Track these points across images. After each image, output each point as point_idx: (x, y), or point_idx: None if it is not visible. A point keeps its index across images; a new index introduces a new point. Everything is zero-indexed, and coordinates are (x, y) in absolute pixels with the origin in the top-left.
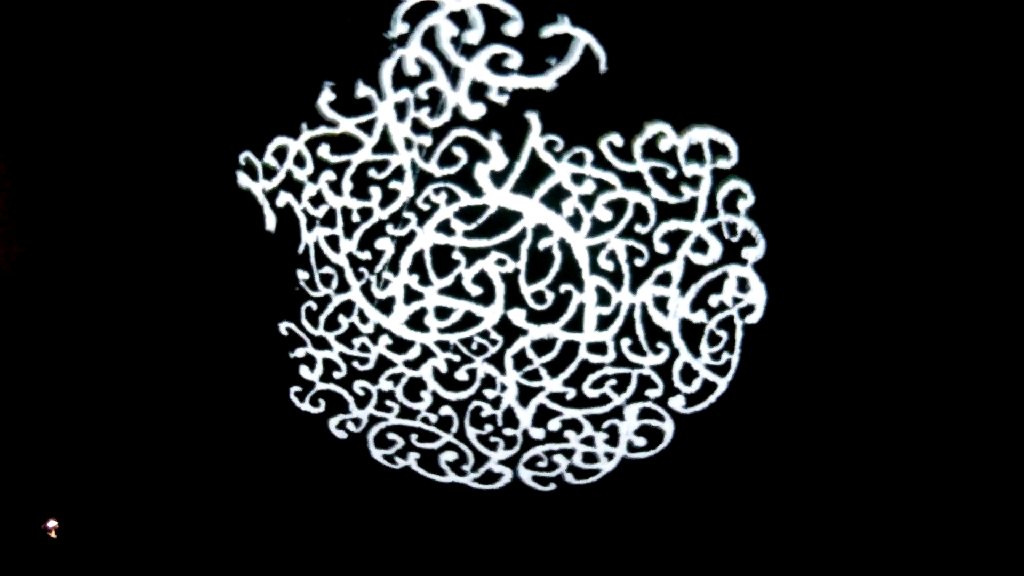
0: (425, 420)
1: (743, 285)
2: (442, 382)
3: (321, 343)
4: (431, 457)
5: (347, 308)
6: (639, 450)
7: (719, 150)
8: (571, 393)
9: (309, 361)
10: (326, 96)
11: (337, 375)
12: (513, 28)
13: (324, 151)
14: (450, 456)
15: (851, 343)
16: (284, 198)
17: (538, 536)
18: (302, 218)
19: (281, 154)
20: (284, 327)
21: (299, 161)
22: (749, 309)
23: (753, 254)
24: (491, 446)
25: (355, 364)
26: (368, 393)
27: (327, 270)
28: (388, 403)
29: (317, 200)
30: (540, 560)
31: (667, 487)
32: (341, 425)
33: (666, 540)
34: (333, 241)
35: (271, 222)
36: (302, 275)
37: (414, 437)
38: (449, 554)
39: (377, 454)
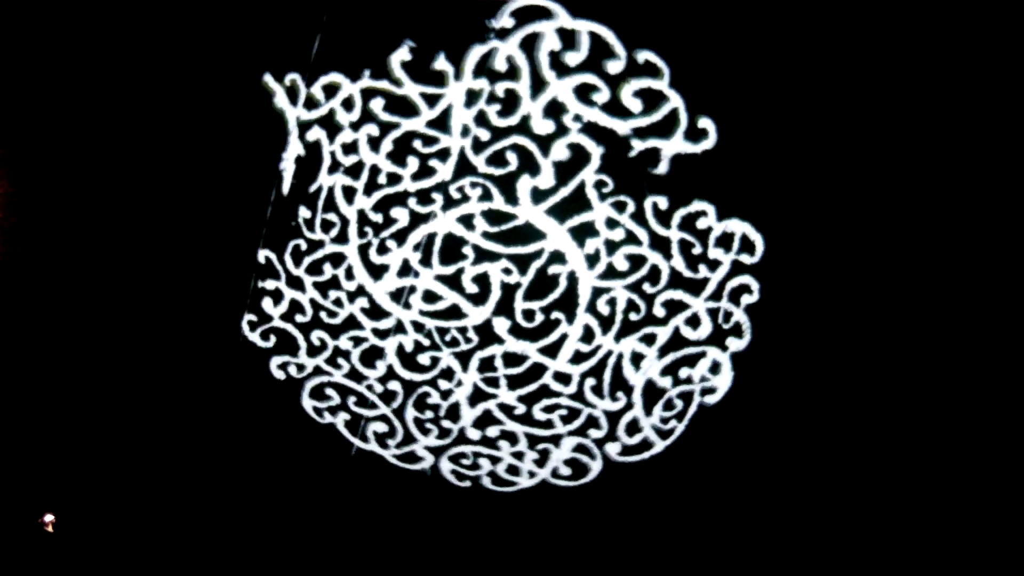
0: (369, 388)
1: (715, 368)
2: (402, 360)
3: (296, 283)
4: (359, 422)
5: (337, 259)
6: (561, 478)
7: (747, 246)
8: (521, 409)
9: (276, 295)
10: (402, 54)
11: (299, 318)
12: (614, 67)
13: (377, 105)
14: (380, 427)
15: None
16: (316, 134)
17: (434, 522)
18: (327, 159)
19: (331, 91)
20: (263, 255)
21: (347, 105)
22: (711, 390)
23: (736, 345)
24: (424, 431)
25: (322, 314)
26: (323, 345)
27: (332, 217)
28: (339, 360)
29: (350, 148)
30: (427, 546)
31: (573, 518)
32: (283, 366)
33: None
34: (350, 192)
35: (295, 150)
36: (304, 213)
37: (351, 399)
38: (347, 515)
39: (308, 404)
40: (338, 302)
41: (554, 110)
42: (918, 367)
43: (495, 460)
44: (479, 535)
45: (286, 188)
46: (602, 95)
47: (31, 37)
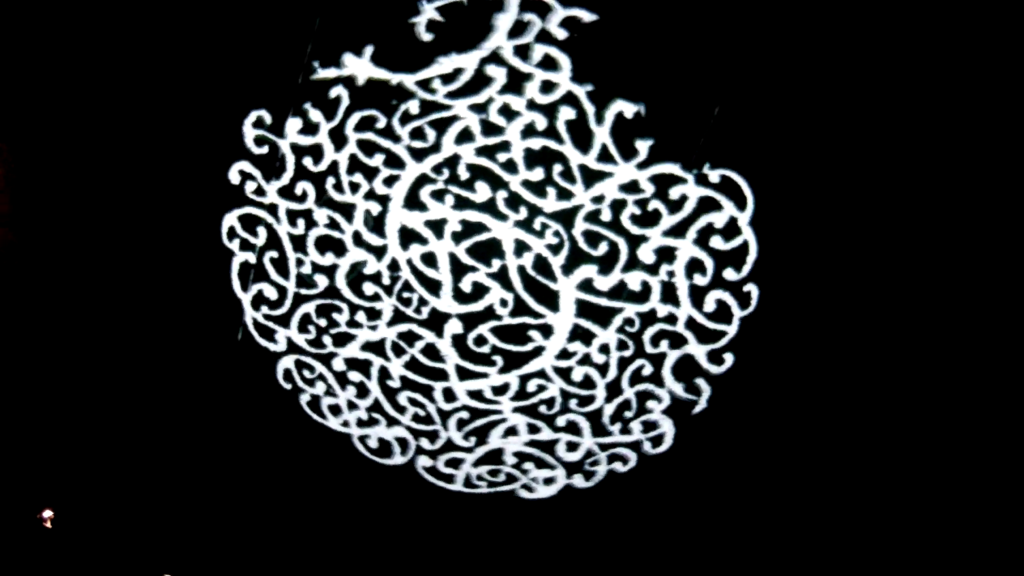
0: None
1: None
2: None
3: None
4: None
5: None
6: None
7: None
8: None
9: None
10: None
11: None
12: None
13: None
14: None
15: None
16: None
17: (420, 522)
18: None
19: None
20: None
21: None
22: (658, 440)
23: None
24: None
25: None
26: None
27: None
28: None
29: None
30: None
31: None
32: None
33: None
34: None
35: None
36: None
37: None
38: (343, 516)
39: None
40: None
41: None
42: (910, 383)
43: (433, 455)
44: (463, 537)
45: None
46: None
47: (23, 31)
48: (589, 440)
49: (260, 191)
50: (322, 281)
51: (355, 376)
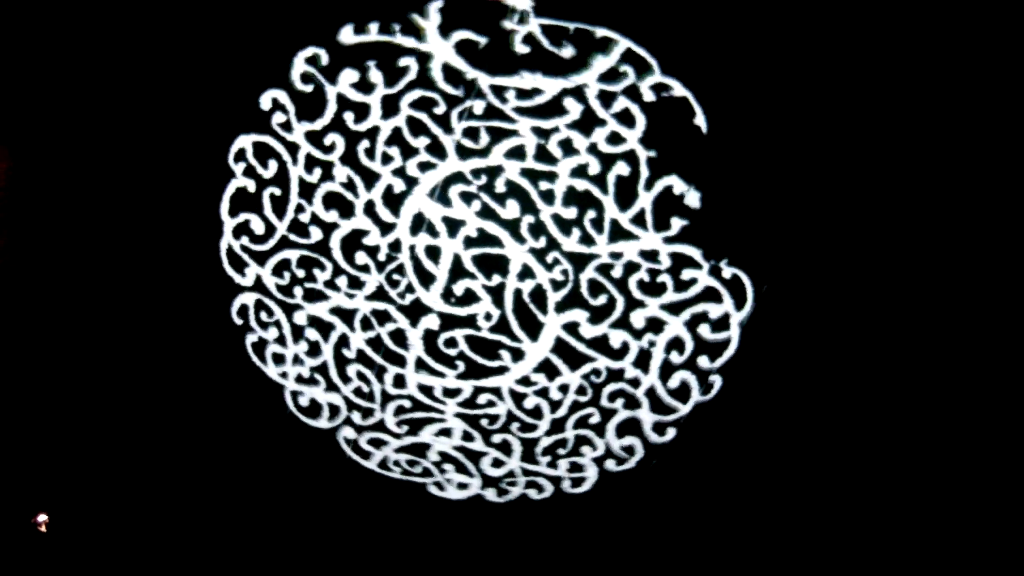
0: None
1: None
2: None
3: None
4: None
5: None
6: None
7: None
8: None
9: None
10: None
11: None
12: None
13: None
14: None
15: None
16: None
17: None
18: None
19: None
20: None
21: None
22: (579, 481)
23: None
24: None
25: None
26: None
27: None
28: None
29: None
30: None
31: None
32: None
33: None
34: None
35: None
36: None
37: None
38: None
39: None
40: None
41: None
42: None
43: (379, 445)
44: (360, 513)
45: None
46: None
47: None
48: (515, 462)
49: (287, 126)
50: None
51: (312, 334)
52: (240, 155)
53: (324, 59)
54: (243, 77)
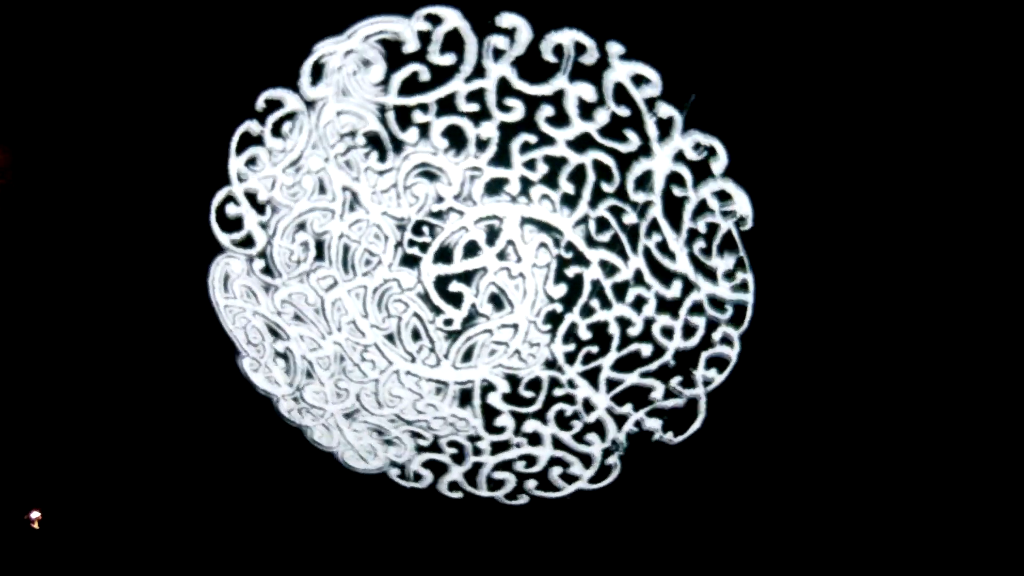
0: None
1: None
2: None
3: None
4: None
5: None
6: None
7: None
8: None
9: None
10: None
11: None
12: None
13: None
14: None
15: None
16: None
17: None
18: None
19: None
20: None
21: None
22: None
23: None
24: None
25: None
26: None
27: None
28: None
29: None
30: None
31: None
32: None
33: None
34: None
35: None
36: None
37: None
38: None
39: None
40: None
41: None
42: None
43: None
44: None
45: None
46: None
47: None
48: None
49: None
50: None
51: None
52: (271, 107)
53: None
54: (243, 77)
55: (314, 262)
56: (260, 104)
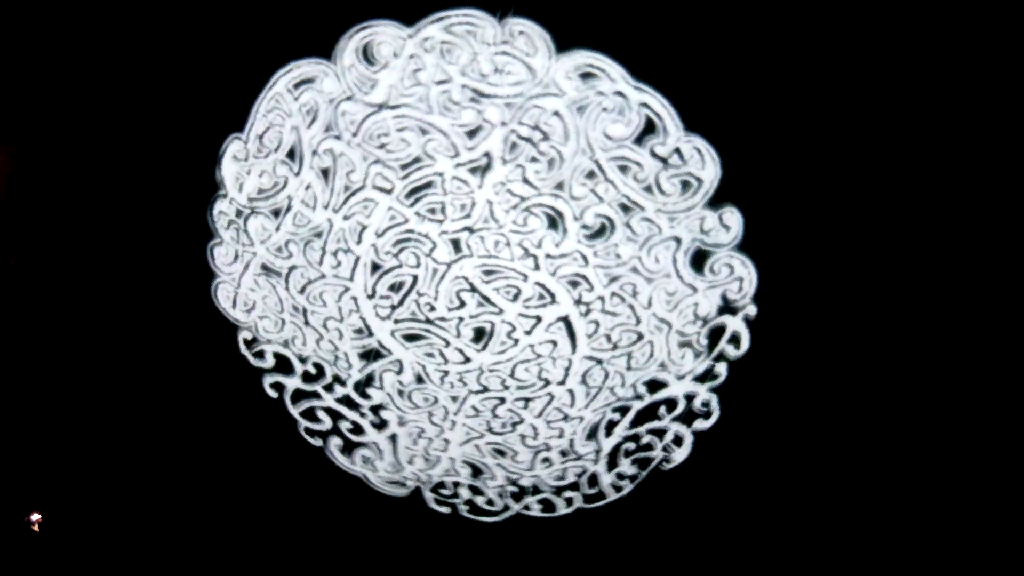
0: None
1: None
2: None
3: None
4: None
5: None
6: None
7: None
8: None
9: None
10: None
11: None
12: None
13: None
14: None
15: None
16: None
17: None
18: None
19: None
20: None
21: None
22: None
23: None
24: None
25: None
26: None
27: None
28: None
29: None
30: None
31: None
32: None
33: None
34: None
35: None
36: None
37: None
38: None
39: None
40: None
41: None
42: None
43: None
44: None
45: None
46: None
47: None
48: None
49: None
50: None
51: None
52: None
53: None
54: (244, 76)
55: None
56: None
